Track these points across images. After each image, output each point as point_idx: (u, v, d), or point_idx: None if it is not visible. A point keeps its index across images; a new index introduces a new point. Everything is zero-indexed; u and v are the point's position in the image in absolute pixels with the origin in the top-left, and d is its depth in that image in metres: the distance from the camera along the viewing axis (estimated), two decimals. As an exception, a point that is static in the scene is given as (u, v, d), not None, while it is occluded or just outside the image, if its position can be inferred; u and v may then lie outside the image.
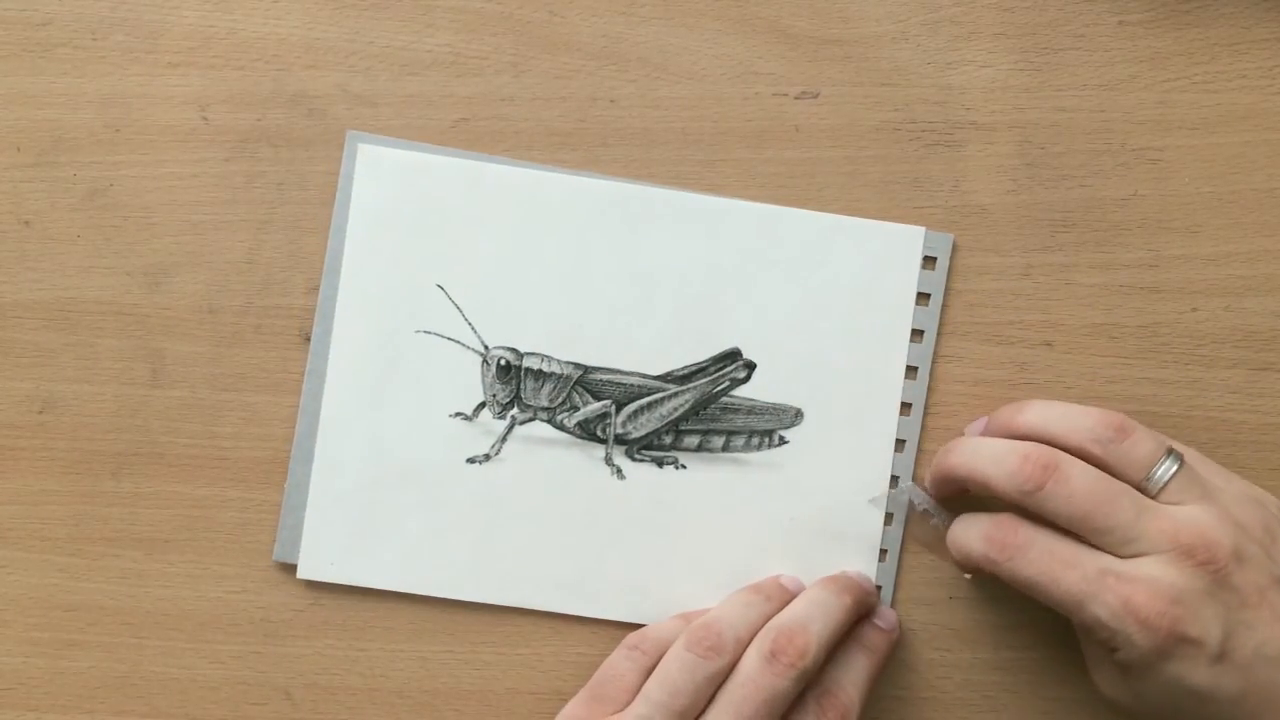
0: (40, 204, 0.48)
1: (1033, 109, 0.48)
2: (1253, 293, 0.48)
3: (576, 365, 0.47)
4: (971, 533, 0.43)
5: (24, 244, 0.48)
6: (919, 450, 0.48)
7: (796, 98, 0.48)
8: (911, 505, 0.47)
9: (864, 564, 0.47)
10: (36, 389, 0.48)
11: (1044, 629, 0.48)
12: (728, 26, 0.48)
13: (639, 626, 0.47)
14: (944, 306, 0.48)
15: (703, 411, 0.48)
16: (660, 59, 0.48)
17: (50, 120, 0.48)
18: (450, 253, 0.47)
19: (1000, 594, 0.48)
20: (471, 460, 0.47)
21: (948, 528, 0.45)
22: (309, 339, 0.48)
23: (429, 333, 0.47)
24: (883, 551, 0.48)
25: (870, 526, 0.47)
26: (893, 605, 0.48)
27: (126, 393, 0.48)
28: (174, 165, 0.48)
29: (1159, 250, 0.48)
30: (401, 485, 0.47)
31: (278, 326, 0.48)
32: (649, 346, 0.47)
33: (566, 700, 0.48)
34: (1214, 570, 0.39)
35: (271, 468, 0.48)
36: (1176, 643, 0.39)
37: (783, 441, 0.48)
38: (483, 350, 0.47)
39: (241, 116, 0.48)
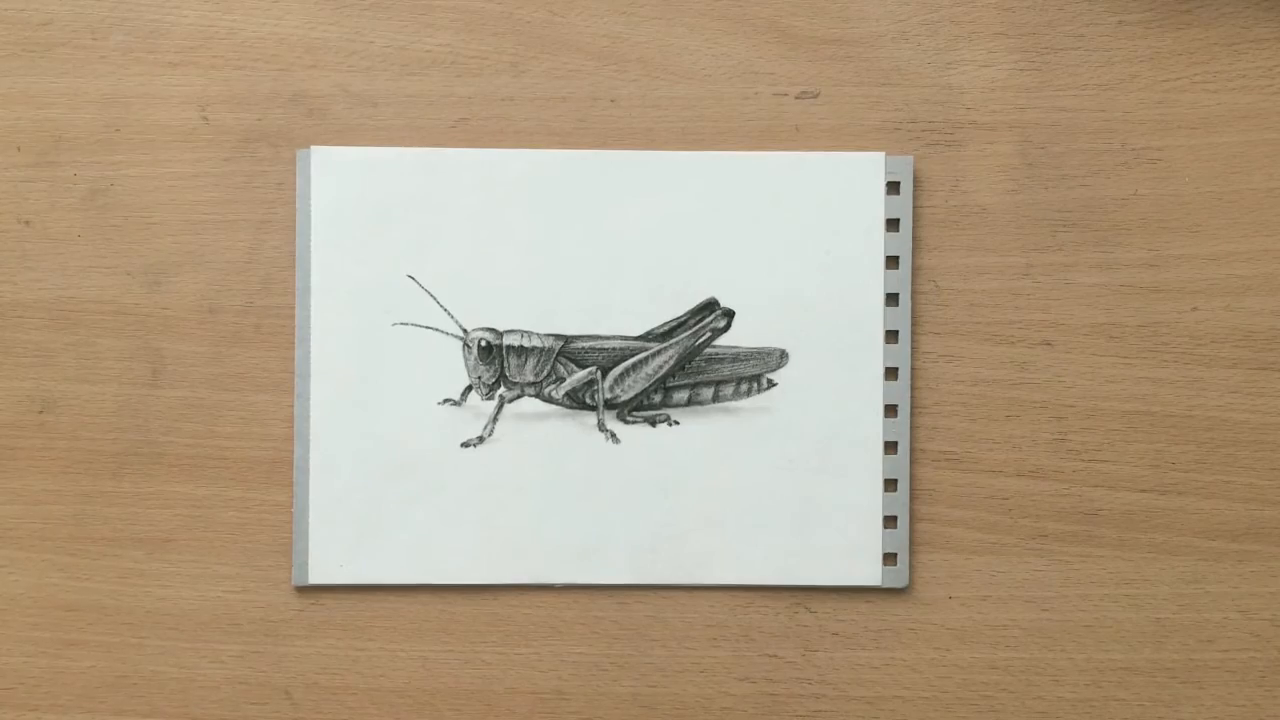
0: (40, 204, 0.48)
1: (1033, 109, 0.48)
2: (1253, 293, 0.48)
3: (557, 336, 0.48)
4: None
5: (24, 244, 0.48)
6: (912, 407, 0.48)
7: (796, 98, 0.48)
8: None
9: (868, 497, 0.48)
10: (36, 389, 0.48)
11: (1042, 630, 0.48)
12: (728, 26, 0.48)
13: (651, 588, 0.47)
14: (941, 306, 0.48)
15: (688, 365, 0.48)
16: (660, 59, 0.48)
17: (50, 120, 0.48)
18: (417, 242, 0.47)
19: (1000, 594, 0.48)
20: (466, 444, 0.48)
21: None
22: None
23: (406, 324, 0.47)
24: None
25: (870, 458, 0.48)
26: (909, 587, 0.48)
27: (126, 393, 0.48)
28: (174, 165, 0.48)
29: (1159, 250, 0.48)
30: (400, 478, 0.47)
31: (278, 326, 0.48)
32: (626, 308, 0.48)
33: (567, 700, 0.48)
34: None
35: (271, 468, 0.48)
36: None
37: (771, 384, 0.48)
38: (462, 334, 0.47)
39: (241, 116, 0.48)
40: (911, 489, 0.48)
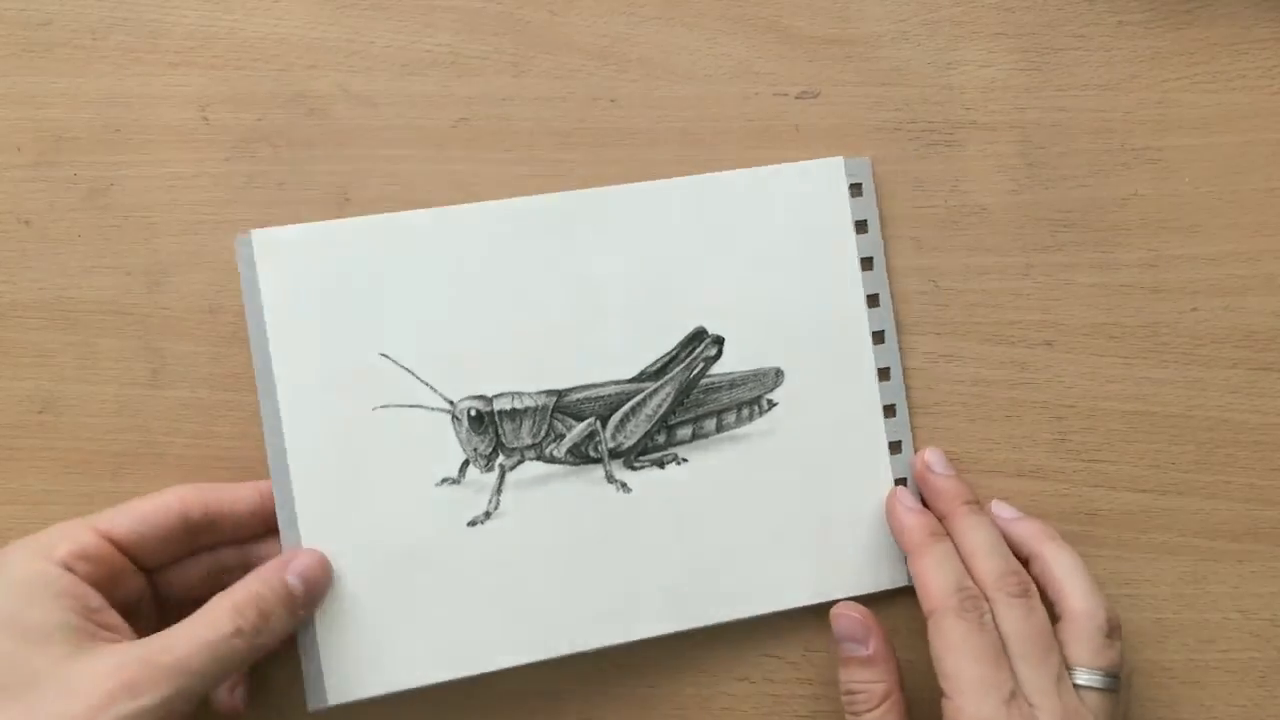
0: (40, 204, 0.48)
1: (1033, 109, 0.48)
2: (1253, 293, 0.48)
3: (549, 393, 0.46)
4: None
5: (24, 244, 0.48)
6: (911, 409, 0.48)
7: (796, 98, 0.48)
8: None
9: (882, 497, 0.47)
10: (36, 389, 0.48)
11: (1044, 629, 0.48)
12: (728, 26, 0.48)
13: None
14: (941, 306, 0.48)
15: (687, 399, 0.47)
16: (660, 59, 0.48)
17: (50, 120, 0.48)
18: (384, 317, 0.44)
19: (1000, 594, 0.48)
20: (473, 523, 0.45)
21: None
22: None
23: (388, 406, 0.44)
24: None
25: (879, 459, 0.47)
26: (909, 587, 0.48)
27: (126, 393, 0.48)
28: (174, 165, 0.48)
29: (1159, 250, 0.48)
30: (408, 571, 0.44)
31: (278, 326, 0.48)
32: (615, 352, 0.46)
33: (567, 700, 0.48)
34: None
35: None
36: None
37: (772, 405, 0.47)
38: (449, 407, 0.45)
39: (241, 116, 0.48)
40: (912, 489, 0.48)
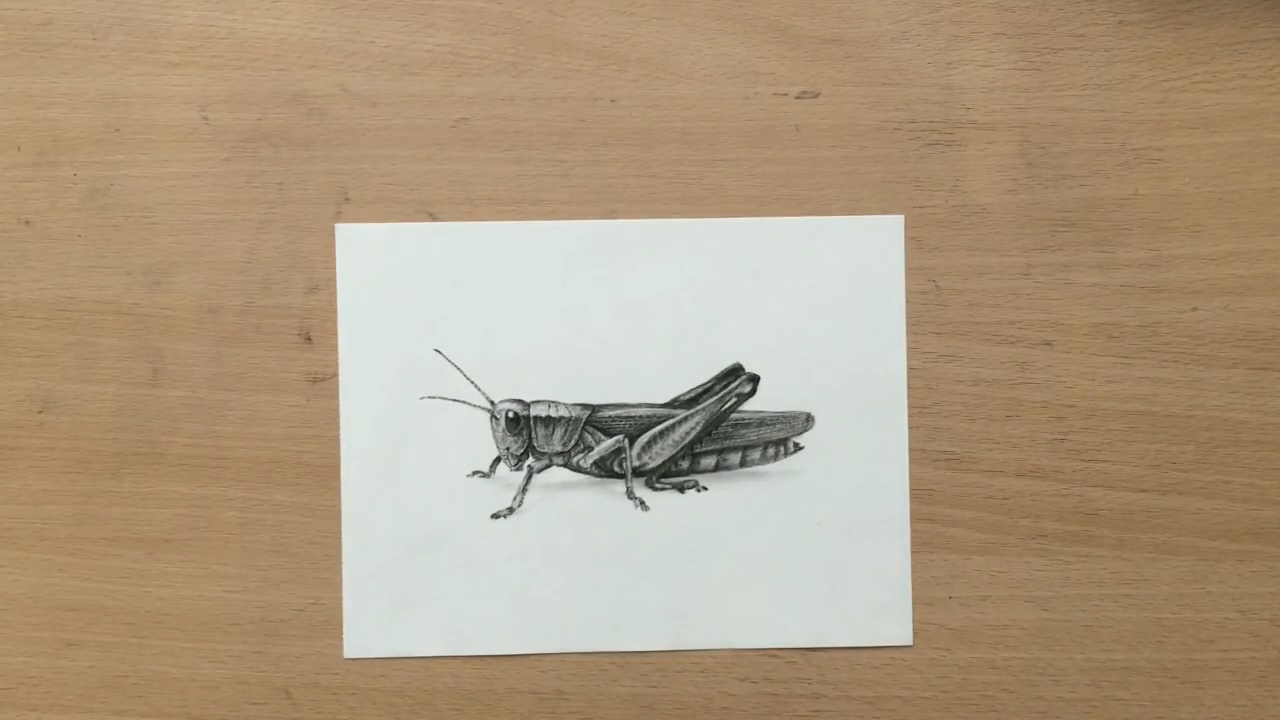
0: (40, 204, 0.48)
1: (1033, 109, 0.48)
2: (1253, 293, 0.48)
3: (584, 406, 0.48)
4: None
5: (24, 244, 0.48)
6: (910, 409, 0.48)
7: (796, 98, 0.48)
8: None
9: (896, 558, 0.48)
10: (36, 389, 0.48)
11: (1042, 630, 0.48)
12: (728, 26, 0.48)
13: (687, 654, 0.47)
14: (941, 306, 0.48)
15: (715, 431, 0.48)
16: (660, 59, 0.48)
17: (50, 120, 0.48)
18: (442, 316, 0.48)
19: (999, 594, 0.48)
20: (496, 516, 0.48)
21: None
22: (309, 339, 0.48)
23: (434, 397, 0.47)
24: None
25: (898, 517, 0.48)
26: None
27: (126, 393, 0.48)
28: (174, 165, 0.48)
29: (1159, 250, 0.48)
30: (431, 552, 0.47)
31: (278, 326, 0.48)
32: (652, 376, 0.48)
33: (567, 700, 0.48)
34: None
35: (271, 468, 0.48)
36: None
37: (798, 448, 0.48)
38: (489, 406, 0.48)
39: (241, 116, 0.48)
40: (911, 489, 0.48)
